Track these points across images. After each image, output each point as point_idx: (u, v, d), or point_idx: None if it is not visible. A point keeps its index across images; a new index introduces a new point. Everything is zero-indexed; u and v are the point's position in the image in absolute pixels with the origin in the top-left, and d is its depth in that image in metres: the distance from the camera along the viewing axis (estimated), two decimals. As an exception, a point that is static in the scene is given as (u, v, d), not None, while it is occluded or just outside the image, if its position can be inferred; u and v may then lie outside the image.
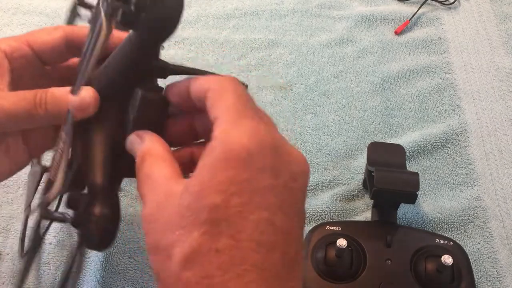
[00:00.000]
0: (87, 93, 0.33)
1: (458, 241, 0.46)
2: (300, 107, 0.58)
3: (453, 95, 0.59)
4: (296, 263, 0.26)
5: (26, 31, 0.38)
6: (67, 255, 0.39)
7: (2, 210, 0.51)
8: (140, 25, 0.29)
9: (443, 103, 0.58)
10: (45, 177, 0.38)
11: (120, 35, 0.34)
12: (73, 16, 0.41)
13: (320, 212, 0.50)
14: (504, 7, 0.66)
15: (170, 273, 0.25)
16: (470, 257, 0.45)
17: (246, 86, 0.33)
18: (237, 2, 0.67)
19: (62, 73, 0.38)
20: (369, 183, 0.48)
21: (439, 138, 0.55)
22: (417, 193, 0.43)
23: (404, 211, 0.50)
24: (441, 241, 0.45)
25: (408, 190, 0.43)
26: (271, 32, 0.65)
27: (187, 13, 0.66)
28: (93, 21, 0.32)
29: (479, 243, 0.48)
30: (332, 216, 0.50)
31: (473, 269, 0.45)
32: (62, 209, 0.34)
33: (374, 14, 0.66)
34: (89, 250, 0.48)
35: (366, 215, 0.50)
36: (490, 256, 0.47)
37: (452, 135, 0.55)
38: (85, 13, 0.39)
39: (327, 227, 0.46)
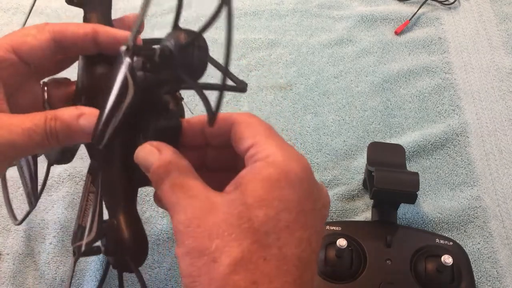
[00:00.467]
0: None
1: (458, 241, 0.46)
2: (300, 107, 0.58)
3: (453, 95, 0.59)
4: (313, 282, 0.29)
5: (26, 31, 0.38)
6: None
7: (2, 210, 0.51)
8: (161, 73, 0.29)
9: (443, 103, 0.58)
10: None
11: (110, 32, 0.34)
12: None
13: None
14: (504, 7, 0.66)
15: (216, 276, 0.25)
16: (470, 257, 0.45)
17: (246, 85, 0.33)
18: (237, 2, 0.67)
19: (44, 67, 0.37)
20: (369, 183, 0.48)
21: (439, 138, 0.55)
22: (417, 193, 0.43)
23: (404, 211, 0.50)
24: (441, 241, 0.45)
25: (408, 190, 0.43)
26: (271, 32, 0.65)
27: (187, 13, 0.66)
28: (115, 69, 0.30)
29: (479, 243, 0.48)
30: (332, 216, 0.50)
31: (473, 269, 0.45)
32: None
33: (374, 14, 0.66)
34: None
35: (366, 215, 0.50)
36: (490, 256, 0.47)
37: (452, 135, 0.55)
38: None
39: (327, 227, 0.46)
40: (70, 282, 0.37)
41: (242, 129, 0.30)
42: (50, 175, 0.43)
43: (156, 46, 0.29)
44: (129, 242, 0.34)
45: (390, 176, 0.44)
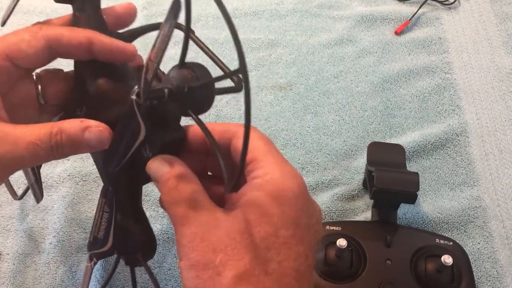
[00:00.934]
0: (103, 131, 0.32)
1: (458, 241, 0.46)
2: (300, 107, 0.58)
3: (453, 95, 0.59)
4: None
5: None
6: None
7: (2, 210, 0.51)
8: (168, 106, 0.31)
9: (443, 103, 0.58)
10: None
11: (105, 42, 0.34)
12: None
13: (320, 212, 0.50)
14: (504, 7, 0.66)
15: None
16: (470, 257, 0.45)
17: (241, 85, 0.34)
18: (237, 2, 0.67)
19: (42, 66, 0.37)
20: (369, 183, 0.48)
21: (439, 138, 0.55)
22: (417, 193, 0.43)
23: (404, 211, 0.50)
24: (441, 241, 0.45)
25: (408, 190, 0.43)
26: (271, 32, 0.65)
27: (187, 13, 0.66)
28: (127, 113, 0.31)
29: (479, 243, 0.48)
30: (332, 216, 0.50)
31: (473, 269, 0.45)
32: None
33: (374, 14, 0.66)
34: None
35: (366, 215, 0.50)
36: (490, 256, 0.47)
37: (452, 135, 0.55)
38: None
39: (327, 227, 0.46)
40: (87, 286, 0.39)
41: (241, 144, 0.31)
42: (50, 175, 0.44)
43: (164, 86, 0.29)
44: (140, 241, 0.37)
45: (390, 176, 0.44)
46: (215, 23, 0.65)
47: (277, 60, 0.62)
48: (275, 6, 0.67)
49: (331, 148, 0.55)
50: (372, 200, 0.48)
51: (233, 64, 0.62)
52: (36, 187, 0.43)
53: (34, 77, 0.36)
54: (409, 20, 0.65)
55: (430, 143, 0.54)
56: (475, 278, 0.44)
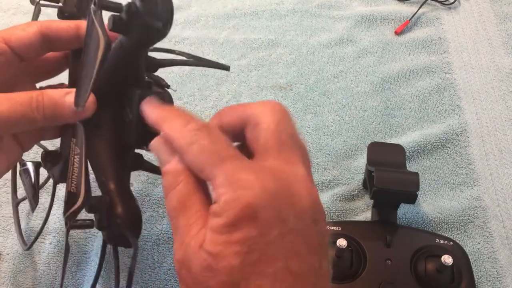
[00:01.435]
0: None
1: (458, 241, 0.46)
2: (300, 107, 0.58)
3: (453, 95, 0.59)
4: None
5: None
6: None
7: (2, 210, 0.51)
8: (131, 31, 0.30)
9: (443, 103, 0.58)
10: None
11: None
12: (37, 10, 0.42)
13: (320, 212, 0.50)
14: (504, 7, 0.66)
15: None
16: (470, 257, 0.45)
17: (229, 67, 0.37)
18: (237, 2, 0.67)
19: (39, 67, 0.39)
20: (369, 183, 0.48)
21: (439, 138, 0.55)
22: (417, 193, 0.43)
23: (404, 211, 0.50)
24: (441, 241, 0.45)
25: (408, 190, 0.43)
26: (271, 32, 0.65)
27: (187, 13, 0.66)
28: (88, 29, 0.32)
29: (479, 243, 0.48)
30: (332, 216, 0.50)
31: (473, 269, 0.45)
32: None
33: (374, 14, 0.66)
34: (90, 250, 0.48)
35: (366, 215, 0.50)
36: (490, 256, 0.47)
37: (452, 135, 0.55)
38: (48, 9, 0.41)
39: (327, 227, 0.46)
40: (66, 257, 0.36)
41: (252, 133, 0.29)
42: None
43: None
44: (122, 214, 0.34)
45: (390, 176, 0.44)
46: (215, 23, 0.65)
47: (277, 60, 0.62)
48: (275, 6, 0.67)
49: (331, 148, 0.55)
50: (372, 200, 0.48)
51: (233, 64, 0.62)
52: (32, 200, 0.43)
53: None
54: (409, 20, 0.65)
55: (430, 143, 0.54)
56: (475, 278, 0.44)
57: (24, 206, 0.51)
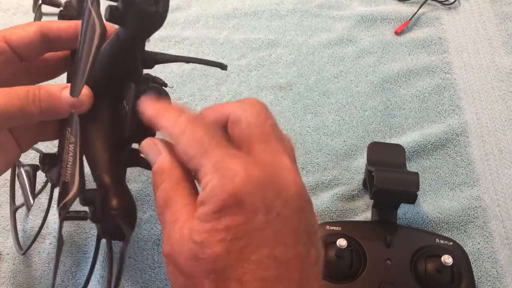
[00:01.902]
0: (82, 90, 0.33)
1: (458, 241, 0.46)
2: (300, 107, 0.58)
3: (453, 95, 0.59)
4: (307, 281, 0.27)
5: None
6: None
7: (2, 210, 0.51)
8: (127, 21, 0.31)
9: (443, 103, 0.58)
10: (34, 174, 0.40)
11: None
12: (39, 14, 0.42)
13: (320, 212, 0.50)
14: (504, 7, 0.66)
15: None
16: (470, 257, 0.45)
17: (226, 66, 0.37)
18: (237, 2, 0.67)
19: (39, 68, 0.39)
20: (369, 183, 0.48)
21: (439, 138, 0.55)
22: (417, 193, 0.43)
23: (404, 211, 0.50)
24: (441, 241, 0.45)
25: (408, 190, 0.43)
26: (271, 32, 0.65)
27: (187, 13, 0.66)
28: (84, 20, 0.32)
29: (479, 243, 0.48)
30: (332, 216, 0.50)
31: (473, 269, 0.45)
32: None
33: (374, 14, 0.66)
34: (90, 250, 0.48)
35: (366, 215, 0.50)
36: (490, 256, 0.47)
37: (452, 135, 0.55)
38: (50, 10, 0.41)
39: (327, 227, 0.46)
40: (59, 250, 0.36)
41: (235, 129, 0.30)
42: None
43: None
44: (117, 207, 0.34)
45: (390, 176, 0.44)
46: (215, 23, 0.65)
47: (277, 60, 0.62)
48: (275, 6, 0.67)
49: (331, 148, 0.55)
50: (372, 200, 0.48)
51: (233, 64, 0.62)
52: (28, 201, 0.43)
53: None
54: (409, 20, 0.65)
55: (430, 143, 0.54)
56: (475, 278, 0.44)
57: (23, 210, 0.51)
